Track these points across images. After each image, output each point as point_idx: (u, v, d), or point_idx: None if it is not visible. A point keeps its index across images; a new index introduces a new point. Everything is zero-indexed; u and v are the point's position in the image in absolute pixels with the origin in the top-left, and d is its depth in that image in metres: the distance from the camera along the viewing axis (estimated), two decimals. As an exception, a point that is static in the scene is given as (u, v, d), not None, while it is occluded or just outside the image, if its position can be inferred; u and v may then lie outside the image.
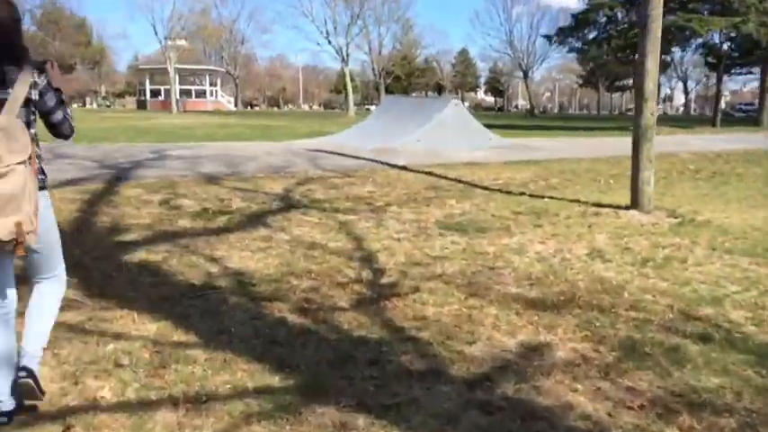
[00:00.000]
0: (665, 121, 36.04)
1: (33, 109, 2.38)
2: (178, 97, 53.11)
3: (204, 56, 60.01)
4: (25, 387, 2.43)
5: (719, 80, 27.18)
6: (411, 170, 9.63)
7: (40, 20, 52.51)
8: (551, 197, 7.79)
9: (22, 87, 2.30)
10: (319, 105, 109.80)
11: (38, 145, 2.41)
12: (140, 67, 54.38)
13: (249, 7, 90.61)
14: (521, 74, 68.94)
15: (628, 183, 7.43)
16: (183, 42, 47.94)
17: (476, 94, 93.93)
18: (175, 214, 6.25)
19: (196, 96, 54.63)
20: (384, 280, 4.37)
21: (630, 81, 72.84)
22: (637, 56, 6.95)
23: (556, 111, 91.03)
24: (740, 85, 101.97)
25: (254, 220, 6.15)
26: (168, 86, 46.27)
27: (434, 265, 4.74)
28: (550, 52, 63.70)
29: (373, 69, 66.70)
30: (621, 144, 16.12)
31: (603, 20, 22.64)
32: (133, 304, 3.64)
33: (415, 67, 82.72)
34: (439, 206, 7.18)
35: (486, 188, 8.42)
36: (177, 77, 53.93)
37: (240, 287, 4.10)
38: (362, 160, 10.59)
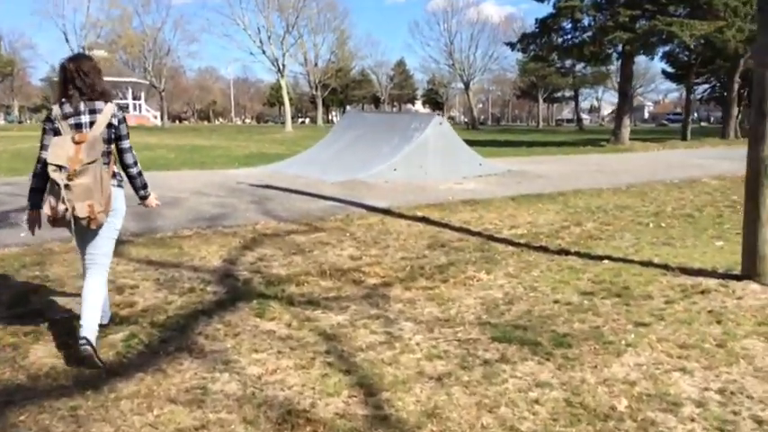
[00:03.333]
0: (608, 133, 35.14)
1: (114, 132, 3.41)
2: (97, 112, 48.84)
3: (128, 67, 55.72)
4: (85, 353, 3.14)
5: (689, 90, 25.98)
6: (398, 215, 7.11)
7: (-64, 28, 47.19)
8: (607, 257, 5.47)
9: (105, 115, 3.36)
10: (252, 119, 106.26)
11: (115, 162, 3.47)
12: (54, 79, 49.62)
13: (174, 15, 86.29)
14: (459, 85, 67.95)
15: (684, 227, 5.20)
16: (101, 52, 43.91)
17: (413, 105, 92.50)
18: (30, 337, 3.52)
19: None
20: None
21: (566, 93, 73.06)
22: (755, 73, 4.62)
23: (490, 122, 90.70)
24: (661, 96, 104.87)
25: (172, 338, 3.50)
26: (85, 101, 41.97)
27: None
28: (490, 63, 62.99)
29: (309, 81, 64.11)
30: (615, 165, 14.35)
31: (569, 25, 20.96)
32: None
33: (351, 78, 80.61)
34: (463, 282, 4.72)
35: (510, 242, 6.01)
36: (96, 91, 49.64)
37: None
38: (328, 200, 7.98)
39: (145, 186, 3.65)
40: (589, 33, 20.76)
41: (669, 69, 32.36)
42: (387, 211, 7.28)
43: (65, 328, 3.62)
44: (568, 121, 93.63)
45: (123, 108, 3.55)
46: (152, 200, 3.78)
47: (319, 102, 64.40)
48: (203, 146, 22.22)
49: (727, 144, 24.15)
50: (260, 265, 5.05)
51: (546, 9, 22.59)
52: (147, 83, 53.55)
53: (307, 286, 4.58)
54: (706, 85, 44.77)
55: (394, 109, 79.25)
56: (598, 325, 3.85)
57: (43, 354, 3.28)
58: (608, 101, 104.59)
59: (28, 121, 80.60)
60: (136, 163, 3.54)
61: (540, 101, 69.11)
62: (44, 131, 3.32)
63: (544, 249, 5.78)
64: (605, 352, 3.45)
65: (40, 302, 4.07)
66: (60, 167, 3.15)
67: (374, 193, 8.56)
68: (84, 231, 3.35)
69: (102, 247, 3.48)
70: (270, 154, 17.41)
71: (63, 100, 3.33)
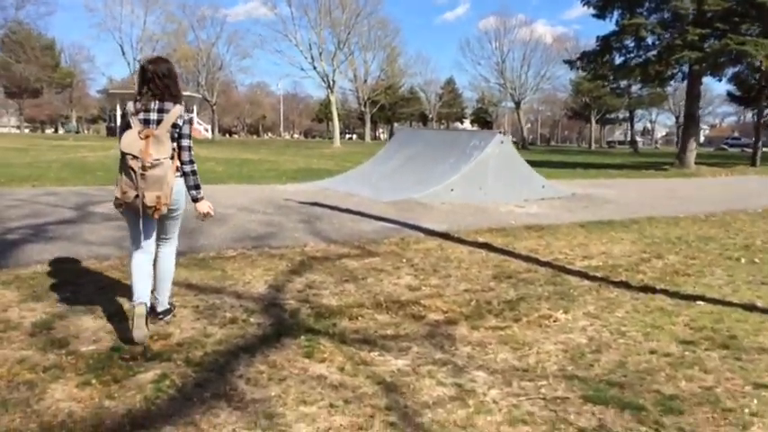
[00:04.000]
0: (665, 156, 33.65)
1: (178, 131, 3.71)
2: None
3: (182, 81, 56.80)
4: (166, 314, 3.92)
5: (760, 114, 24.59)
6: (457, 240, 6.54)
7: (3, 41, 49.02)
8: (700, 297, 4.79)
9: (172, 115, 3.67)
10: (300, 134, 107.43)
11: (178, 156, 3.73)
12: (111, 91, 50.92)
13: (228, 30, 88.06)
14: (509, 104, 67.08)
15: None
16: (156, 66, 44.71)
17: (461, 124, 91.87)
18: (49, 373, 3.08)
19: (170, 123, 51.16)
20: None
21: (620, 114, 71.35)
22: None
23: (539, 142, 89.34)
24: (718, 120, 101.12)
25: (208, 381, 3.01)
26: (140, 113, 42.77)
27: None
28: (542, 83, 62.02)
29: (358, 98, 64.27)
30: (687, 190, 13.39)
31: (632, 44, 20.08)
32: None
33: (399, 96, 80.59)
34: (538, 323, 4.13)
35: (585, 275, 5.37)
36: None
37: None
38: (381, 221, 7.46)
39: (197, 186, 3.86)
40: (653, 52, 19.85)
41: (735, 92, 30.89)
42: (445, 235, 6.72)
43: (88, 363, 3.18)
44: (620, 143, 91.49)
45: (189, 109, 3.96)
46: (204, 204, 3.92)
47: (367, 118, 64.47)
48: (252, 159, 22.12)
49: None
50: (309, 294, 4.56)
51: (608, 26, 21.72)
52: (200, 96, 54.47)
53: (361, 320, 4.06)
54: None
55: (442, 127, 78.64)
56: (710, 385, 3.21)
57: (61, 396, 2.83)
58: (661, 123, 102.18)
59: (85, 132, 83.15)
60: (192, 161, 3.82)
61: (593, 122, 67.53)
62: (120, 127, 3.75)
63: (625, 285, 5.13)
64: (726, 423, 2.82)
65: (67, 330, 3.65)
66: (136, 157, 3.51)
67: (431, 215, 8.00)
68: (148, 218, 3.70)
69: (169, 230, 3.97)
70: (318, 169, 17.07)
71: (138, 97, 3.71)
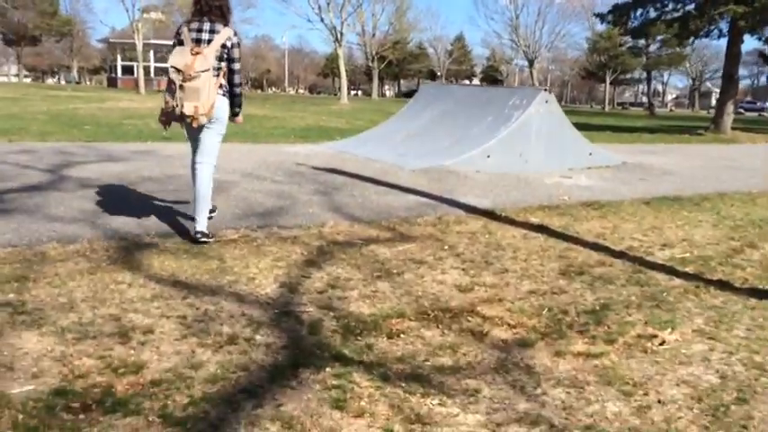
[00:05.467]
0: (685, 120, 32.03)
1: (226, 52, 4.07)
2: (153, 76, 48.32)
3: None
4: (204, 236, 4.21)
5: None
6: (506, 220, 5.43)
7: (-2, -15, 47.04)
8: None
9: (222, 35, 4.03)
10: (305, 89, 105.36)
11: (224, 76, 4.11)
12: (111, 40, 49.12)
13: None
14: (520, 62, 65.14)
15: None
16: (156, 15, 42.90)
17: (470, 82, 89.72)
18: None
19: (173, 75, 49.41)
20: None
21: (635, 74, 69.25)
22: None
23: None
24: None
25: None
26: (144, 63, 41.25)
27: None
28: (557, 41, 59.95)
29: (365, 53, 62.33)
30: (742, 159, 11.98)
31: (666, -4, 18.50)
32: None
33: (408, 51, 78.40)
34: (640, 347, 3.10)
35: (672, 271, 4.30)
36: (152, 54, 49.10)
37: None
38: (411, 194, 6.32)
39: (240, 106, 4.35)
40: (691, 6, 18.33)
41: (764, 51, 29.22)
42: (490, 214, 5.61)
43: (14, 417, 2.13)
44: (631, 104, 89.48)
45: (237, 32, 4.22)
46: (240, 117, 4.47)
47: (375, 74, 62.60)
48: (256, 115, 20.81)
49: None
50: (332, 296, 3.49)
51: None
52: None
53: (404, 339, 3.01)
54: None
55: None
56: None
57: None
58: (672, 85, 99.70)
59: (87, 83, 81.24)
60: (240, 84, 4.25)
61: (608, 82, 65.51)
62: (173, 45, 4.11)
63: (728, 287, 4.06)
64: None
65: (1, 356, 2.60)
66: (179, 71, 3.84)
67: (467, 187, 6.86)
68: (190, 130, 4.13)
69: (208, 148, 4.25)
70: (329, 128, 15.85)
71: (191, 17, 4.11)
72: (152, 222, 4.72)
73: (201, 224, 4.21)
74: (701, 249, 4.90)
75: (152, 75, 48.55)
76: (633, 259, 4.55)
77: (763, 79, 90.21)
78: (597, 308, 3.58)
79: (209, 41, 4.00)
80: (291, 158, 8.44)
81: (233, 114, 4.34)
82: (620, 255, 4.64)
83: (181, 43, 4.00)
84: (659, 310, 3.60)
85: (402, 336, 3.05)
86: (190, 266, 3.76)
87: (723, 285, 4.08)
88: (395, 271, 3.96)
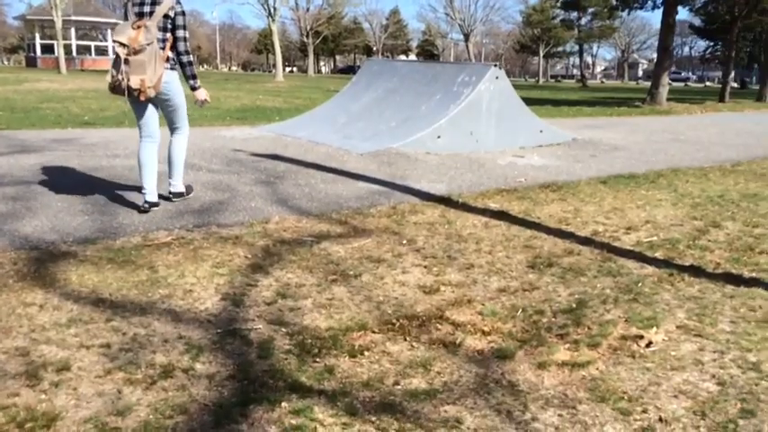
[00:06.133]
0: (616, 91, 32.70)
1: (170, 22, 4.13)
2: (76, 54, 45.75)
3: (107, 8, 52.04)
4: (177, 196, 4.67)
5: (730, 48, 23.48)
6: (464, 207, 5.09)
7: None
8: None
9: (164, 6, 4.07)
10: (238, 66, 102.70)
11: (171, 48, 4.19)
12: (28, 18, 46.02)
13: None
14: (455, 35, 65.17)
15: None
16: (77, -11, 40.46)
17: (406, 56, 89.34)
18: None
19: (97, 54, 46.92)
20: None
21: (567, 47, 70.47)
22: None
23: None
24: (656, 54, 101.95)
25: None
26: (65, 42, 38.88)
27: None
28: (491, 14, 60.23)
29: (300, 28, 60.95)
30: (685, 131, 11.89)
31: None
32: None
33: (343, 27, 77.28)
34: (628, 351, 2.87)
35: (641, 257, 4.08)
36: (74, 31, 46.42)
37: None
38: (361, 180, 5.88)
39: (194, 76, 4.37)
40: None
41: (697, 24, 29.94)
42: (447, 201, 5.25)
43: None
44: (562, 77, 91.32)
45: (181, 2, 4.24)
46: (201, 92, 4.47)
47: (310, 50, 61.40)
48: (187, 95, 19.84)
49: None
50: (283, 307, 3.07)
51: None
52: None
53: (368, 358, 2.63)
54: (707, 43, 42.72)
55: (386, 59, 76.18)
56: None
57: None
58: (601, 57, 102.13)
59: (5, 62, 76.40)
60: (187, 52, 4.28)
61: (541, 55, 66.36)
62: (122, 19, 4.27)
63: (702, 273, 3.85)
64: None
65: None
66: (123, 45, 3.96)
67: (419, 171, 6.48)
68: (137, 105, 4.24)
69: (172, 119, 4.49)
70: (267, 107, 15.16)
71: None
72: (70, 225, 4.15)
73: (177, 186, 4.67)
74: (666, 231, 4.70)
75: (74, 53, 45.92)
76: (600, 246, 4.30)
77: (686, 49, 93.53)
78: (573, 305, 3.30)
79: (152, 13, 4.07)
80: (228, 144, 7.85)
81: (191, 88, 4.41)
82: (585, 241, 4.39)
83: (126, 18, 4.13)
84: (637, 304, 3.35)
85: (366, 353, 2.67)
86: (115, 279, 3.25)
87: (696, 271, 3.88)
88: (351, 272, 3.56)
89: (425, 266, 3.73)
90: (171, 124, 4.56)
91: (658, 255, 4.17)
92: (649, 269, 3.89)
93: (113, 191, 5.15)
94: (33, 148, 7.12)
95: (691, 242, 4.46)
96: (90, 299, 3.01)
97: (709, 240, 4.54)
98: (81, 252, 3.61)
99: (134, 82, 3.97)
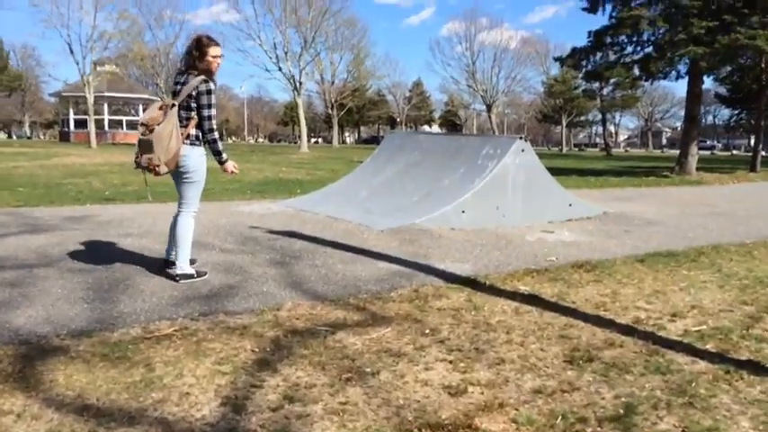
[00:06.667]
0: (641, 160, 32.10)
1: (193, 101, 4.26)
2: (108, 128, 47.22)
3: (140, 84, 53.84)
4: (184, 278, 4.54)
5: (760, 115, 23.20)
6: (491, 290, 4.72)
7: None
8: None
9: (190, 86, 4.20)
10: (265, 138, 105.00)
11: (199, 126, 4.35)
12: (63, 94, 47.85)
13: (188, 29, 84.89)
14: (478, 106, 66.00)
15: None
16: (111, 67, 42.02)
17: (429, 127, 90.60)
18: None
19: (128, 128, 48.35)
20: None
21: (590, 116, 70.83)
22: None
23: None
24: (679, 123, 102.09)
25: None
26: (97, 117, 40.16)
27: None
28: (513, 85, 61.07)
29: (325, 100, 62.37)
30: (721, 203, 11.36)
31: (626, 40, 18.51)
32: None
33: (367, 98, 78.97)
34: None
35: (692, 350, 3.65)
36: (106, 106, 48.08)
37: None
38: (380, 261, 5.56)
39: (218, 153, 4.50)
40: (649, 48, 18.36)
41: (723, 93, 29.80)
42: (473, 282, 4.89)
43: None
44: (585, 145, 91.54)
45: (208, 82, 4.30)
46: (228, 165, 4.58)
47: (335, 122, 62.56)
48: (211, 168, 19.97)
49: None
50: (290, 414, 2.71)
51: (600, 20, 20.13)
52: (159, 100, 51.63)
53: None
54: (731, 111, 42.62)
55: (409, 130, 77.36)
56: None
57: None
58: (623, 126, 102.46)
59: (40, 137, 79.09)
60: (211, 131, 4.41)
61: (564, 124, 66.70)
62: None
63: (761, 369, 3.42)
64: None
65: None
66: (143, 125, 4.14)
67: (443, 249, 6.14)
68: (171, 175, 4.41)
69: (183, 193, 4.53)
70: (289, 180, 15.12)
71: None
72: (67, 315, 3.87)
73: (181, 267, 4.55)
74: (715, 319, 4.27)
75: (106, 127, 47.35)
76: (644, 336, 3.89)
77: (710, 118, 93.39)
78: (621, 411, 2.88)
79: (179, 93, 4.25)
80: (245, 220, 7.64)
81: (219, 164, 4.55)
82: (627, 330, 3.98)
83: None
84: (694, 409, 2.92)
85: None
86: (105, 380, 2.93)
87: (755, 368, 3.44)
88: (368, 369, 3.20)
89: (450, 361, 3.35)
90: (180, 197, 4.55)
91: (710, 347, 3.74)
92: (702, 365, 3.46)
93: (119, 274, 4.91)
94: (45, 227, 6.95)
95: (744, 331, 4.03)
96: (74, 405, 2.68)
97: (765, 330, 4.10)
98: (74, 347, 3.31)
99: (143, 161, 4.14)
